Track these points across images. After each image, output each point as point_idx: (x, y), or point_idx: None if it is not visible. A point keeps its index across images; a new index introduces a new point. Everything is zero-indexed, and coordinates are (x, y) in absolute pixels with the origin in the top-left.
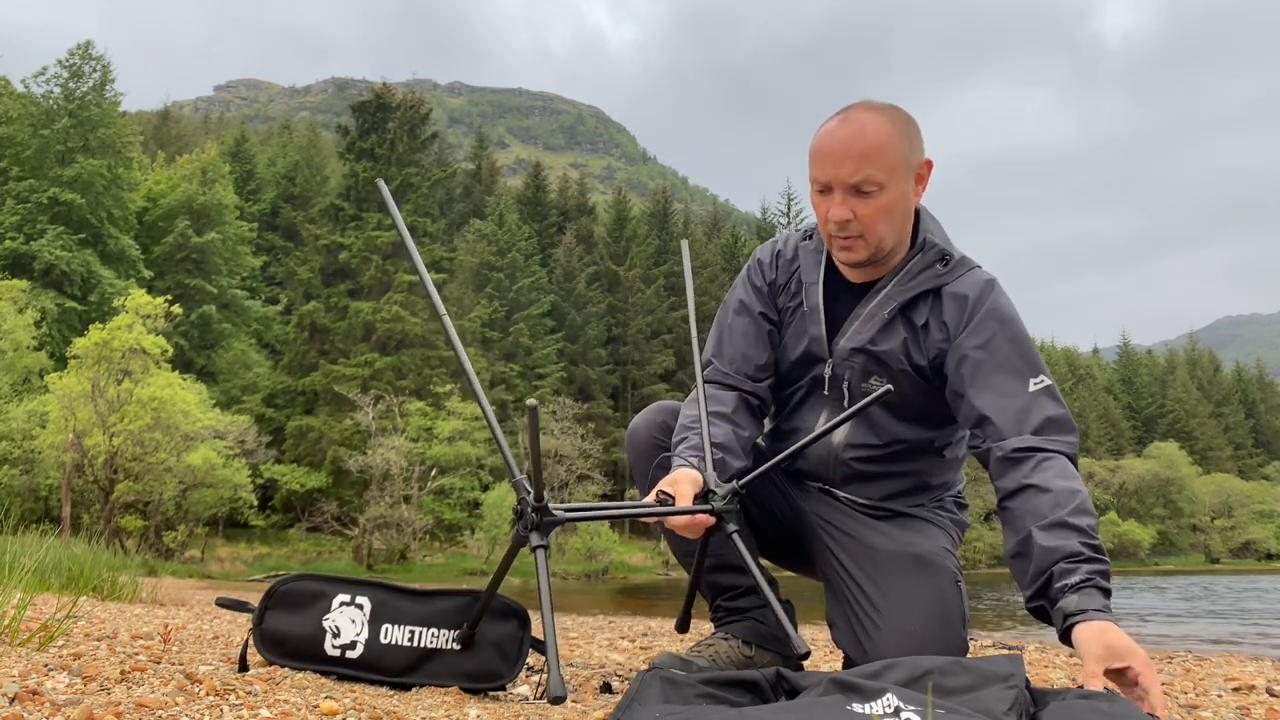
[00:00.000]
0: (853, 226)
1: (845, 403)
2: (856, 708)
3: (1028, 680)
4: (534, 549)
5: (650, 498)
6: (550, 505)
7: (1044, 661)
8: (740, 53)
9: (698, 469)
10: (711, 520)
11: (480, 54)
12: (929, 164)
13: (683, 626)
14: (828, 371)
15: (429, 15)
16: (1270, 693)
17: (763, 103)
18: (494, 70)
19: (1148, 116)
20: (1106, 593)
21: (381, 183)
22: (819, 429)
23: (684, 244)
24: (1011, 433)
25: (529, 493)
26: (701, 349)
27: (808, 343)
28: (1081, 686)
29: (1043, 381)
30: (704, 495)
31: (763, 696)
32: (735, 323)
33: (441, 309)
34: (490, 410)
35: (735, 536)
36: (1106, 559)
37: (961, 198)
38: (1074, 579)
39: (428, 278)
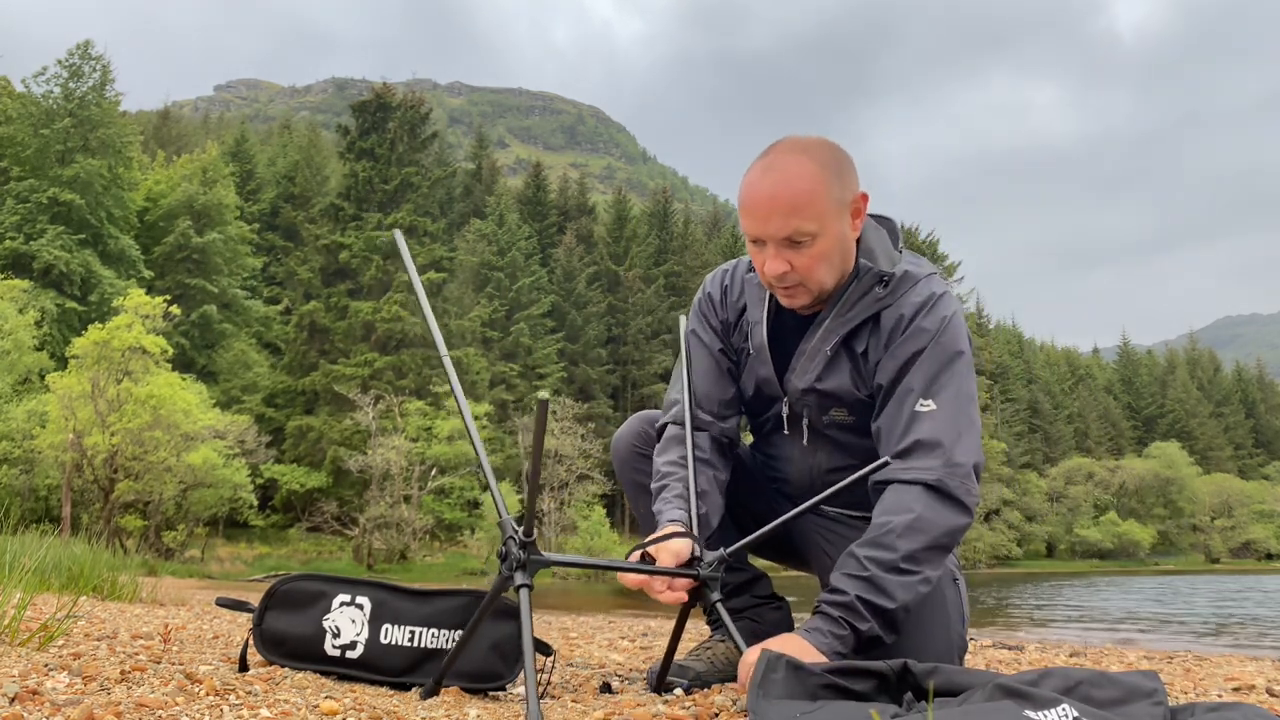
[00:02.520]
0: (790, 277)
1: (805, 439)
2: (1030, 714)
3: None
4: (518, 588)
5: (635, 556)
6: (537, 545)
7: (1044, 661)
8: (748, 45)
9: (685, 525)
10: (693, 584)
11: (484, 49)
12: (864, 197)
13: (658, 688)
14: (785, 410)
15: (434, 10)
16: (1270, 693)
17: (770, 96)
18: (498, 65)
19: (1157, 111)
20: (830, 619)
21: (399, 233)
22: (786, 514)
23: (681, 318)
24: (884, 453)
25: (515, 532)
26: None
27: (758, 382)
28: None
29: (929, 405)
30: (690, 561)
31: (887, 686)
32: (695, 359)
33: (454, 382)
34: (485, 454)
35: (720, 605)
36: (868, 588)
37: (967, 193)
38: (820, 604)
39: (437, 331)
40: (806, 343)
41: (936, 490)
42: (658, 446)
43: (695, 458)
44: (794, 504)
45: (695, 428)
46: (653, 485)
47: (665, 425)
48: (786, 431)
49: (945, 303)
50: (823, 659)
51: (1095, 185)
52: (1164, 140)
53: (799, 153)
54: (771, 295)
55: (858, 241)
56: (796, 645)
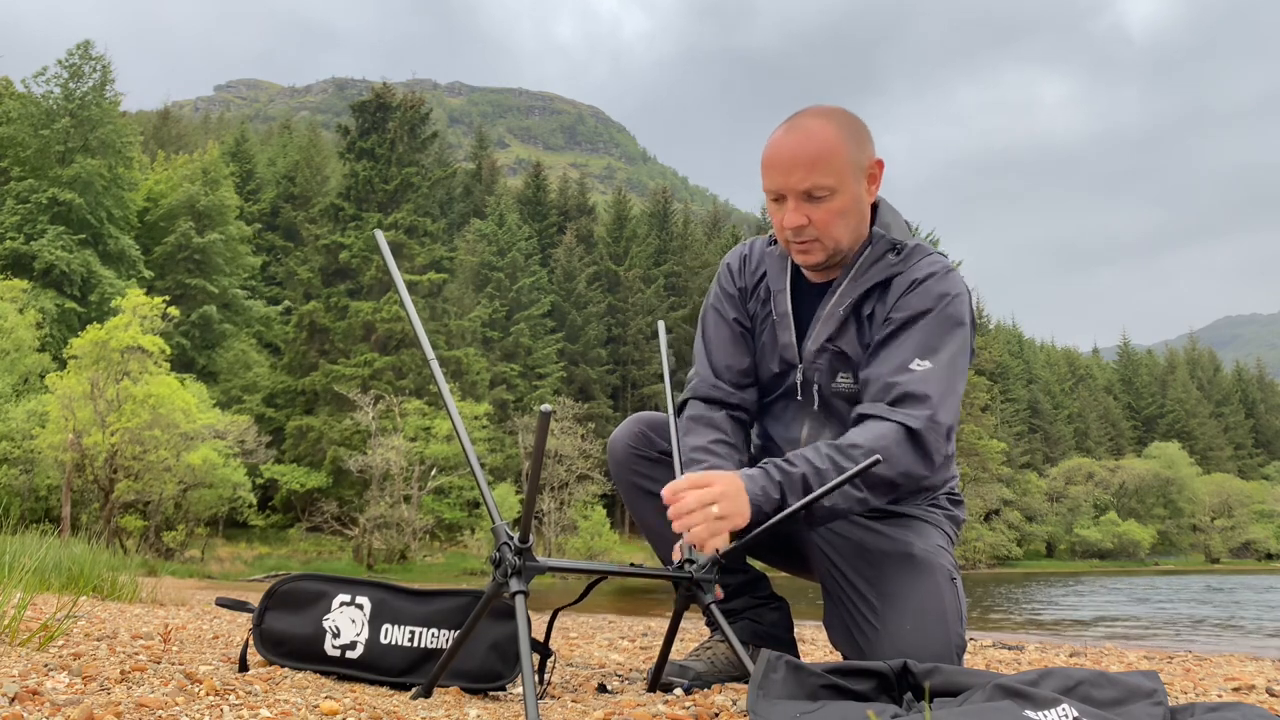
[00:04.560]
0: (808, 231)
1: (815, 406)
2: (1030, 714)
3: None
4: (513, 595)
5: (684, 481)
6: (534, 550)
7: (1044, 661)
8: (753, 41)
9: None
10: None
11: (488, 46)
12: (880, 163)
13: (653, 687)
14: (799, 377)
15: (437, 7)
16: (1270, 693)
17: (774, 92)
18: (501, 62)
19: (1164, 109)
20: (769, 476)
21: (379, 233)
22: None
23: (660, 324)
24: (875, 399)
25: (510, 538)
26: (678, 413)
27: (781, 350)
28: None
29: (923, 364)
30: (682, 563)
31: (887, 686)
32: (715, 332)
33: (442, 384)
34: (476, 460)
35: (713, 608)
36: (812, 469)
37: (969, 192)
38: (769, 461)
39: (422, 333)
40: (823, 308)
41: (915, 437)
42: (684, 426)
43: (721, 440)
44: None
45: (714, 401)
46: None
47: (686, 401)
48: (800, 397)
49: (955, 279)
50: (745, 501)
51: (1098, 184)
52: (1169, 138)
53: (819, 115)
54: (793, 265)
55: (874, 214)
56: (732, 483)
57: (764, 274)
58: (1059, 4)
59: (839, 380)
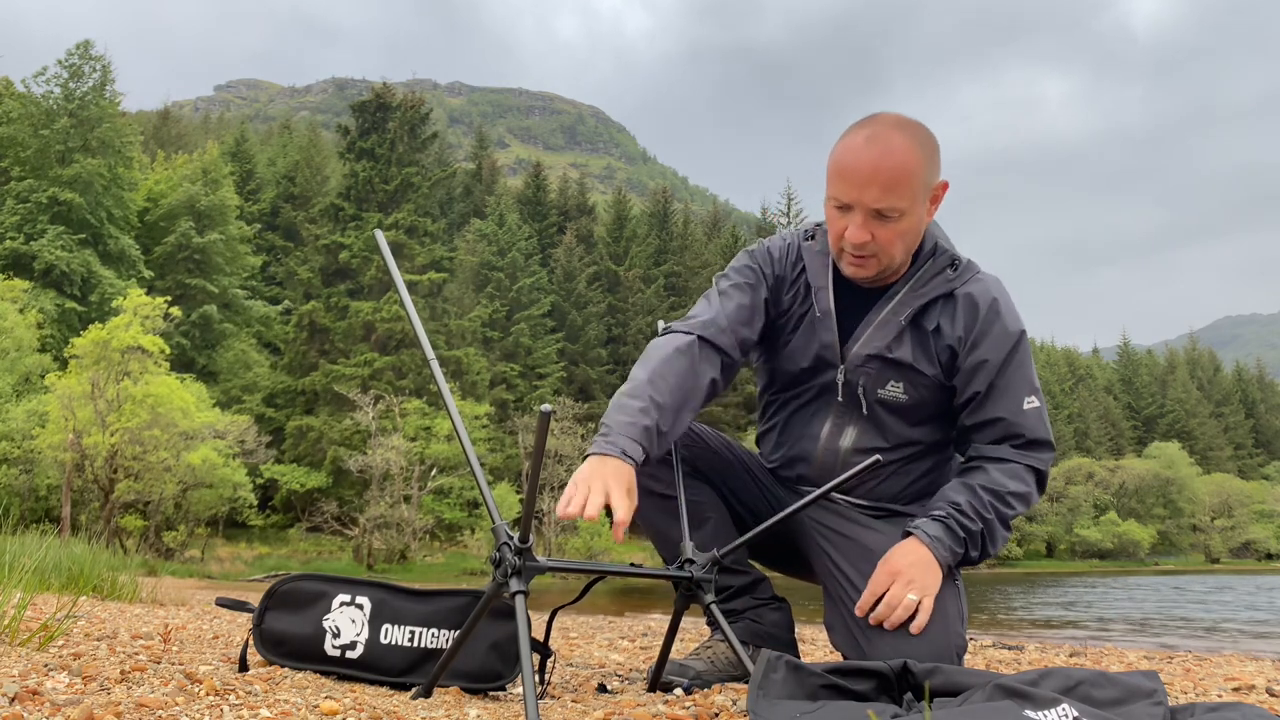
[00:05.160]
0: (869, 247)
1: (863, 409)
2: (1030, 714)
3: None
4: (513, 594)
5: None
6: (534, 550)
7: (1044, 661)
8: (755, 39)
9: (631, 461)
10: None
11: (490, 43)
12: (944, 185)
13: (654, 687)
14: (840, 378)
15: (441, 4)
16: (1270, 693)
17: (775, 91)
18: (503, 61)
19: (1167, 107)
20: (954, 534)
21: (379, 233)
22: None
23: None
24: (998, 439)
25: (510, 538)
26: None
27: (819, 349)
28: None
29: (1034, 402)
30: (682, 563)
31: (887, 686)
32: (730, 292)
33: (442, 381)
34: (476, 460)
35: (713, 607)
36: (985, 523)
37: (969, 192)
38: (937, 512)
39: (421, 332)
40: (877, 313)
41: (1041, 477)
42: (652, 346)
43: (676, 349)
44: (802, 491)
45: (706, 339)
46: (616, 405)
47: (670, 331)
48: (840, 398)
49: (1009, 297)
50: (937, 569)
51: (1100, 183)
52: (1171, 138)
53: (902, 130)
54: (833, 264)
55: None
56: (920, 558)
57: (803, 268)
58: (1062, 2)
59: (889, 387)
